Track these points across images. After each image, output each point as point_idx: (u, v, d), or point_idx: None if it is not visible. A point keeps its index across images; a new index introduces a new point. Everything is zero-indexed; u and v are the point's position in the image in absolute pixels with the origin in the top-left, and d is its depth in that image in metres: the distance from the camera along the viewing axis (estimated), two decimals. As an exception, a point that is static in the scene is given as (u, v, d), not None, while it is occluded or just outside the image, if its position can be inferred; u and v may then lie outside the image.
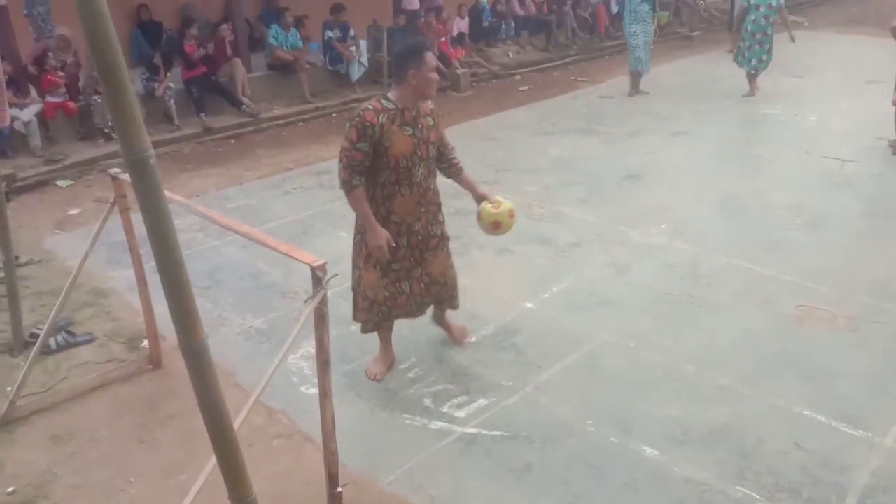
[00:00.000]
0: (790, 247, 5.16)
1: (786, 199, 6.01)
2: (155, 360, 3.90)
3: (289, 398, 3.62)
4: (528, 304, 4.47)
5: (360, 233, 3.49)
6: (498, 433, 3.33)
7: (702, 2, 15.43)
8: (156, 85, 8.23)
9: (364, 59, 10.09)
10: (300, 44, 9.69)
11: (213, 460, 2.11)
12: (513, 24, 12.63)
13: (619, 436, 3.29)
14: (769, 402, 3.50)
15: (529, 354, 3.94)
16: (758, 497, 2.92)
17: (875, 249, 5.10)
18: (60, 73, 7.68)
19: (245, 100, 8.85)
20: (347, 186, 3.36)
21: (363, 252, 3.51)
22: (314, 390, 3.26)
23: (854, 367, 3.76)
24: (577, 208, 5.95)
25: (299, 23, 9.92)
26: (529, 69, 11.83)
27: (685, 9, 15.36)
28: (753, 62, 9.26)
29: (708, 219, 5.68)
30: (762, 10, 8.93)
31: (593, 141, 7.89)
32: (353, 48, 9.93)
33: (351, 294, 3.72)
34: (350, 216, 5.95)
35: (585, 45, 13.12)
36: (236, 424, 2.21)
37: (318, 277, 2.44)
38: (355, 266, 3.60)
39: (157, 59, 8.31)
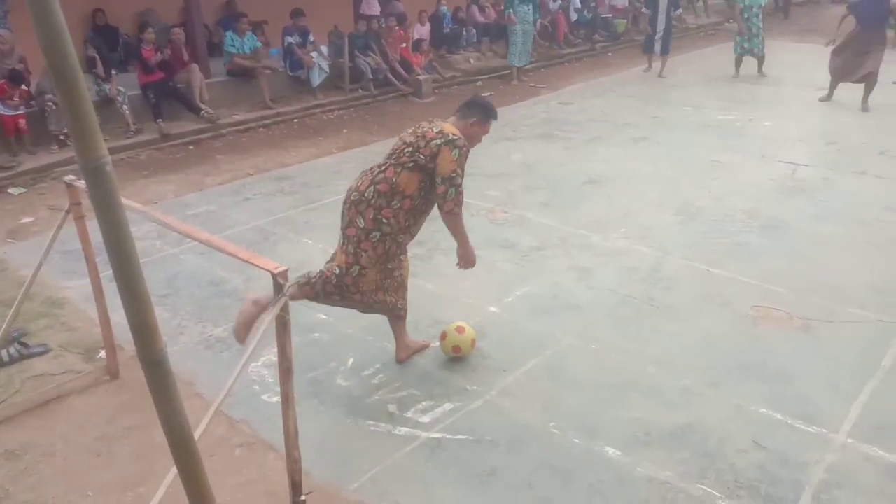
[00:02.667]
0: (747, 250, 5.28)
1: (743, 203, 6.15)
2: (112, 371, 3.81)
3: (251, 407, 3.56)
4: (493, 309, 4.49)
5: (385, 232, 3.50)
6: (463, 437, 3.33)
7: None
8: (107, 88, 8.02)
9: (325, 65, 10.04)
10: (258, 45, 9.59)
11: (173, 472, 2.06)
12: (473, 31, 12.72)
13: (584, 438, 3.32)
14: (729, 402, 3.57)
15: (494, 358, 3.95)
16: (718, 495, 2.98)
17: (826, 252, 5.25)
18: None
19: (204, 106, 8.73)
20: (460, 210, 3.56)
21: (380, 251, 3.53)
22: (276, 398, 3.22)
23: (809, 366, 3.85)
24: (540, 213, 6.00)
25: (258, 28, 9.83)
26: (490, 76, 11.91)
27: (642, 17, 15.64)
28: (756, 51, 11.22)
29: (668, 223, 5.78)
30: (755, 10, 11.04)
31: (555, 146, 7.97)
32: (313, 54, 9.87)
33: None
34: (313, 222, 5.92)
35: (545, 52, 13.26)
36: (196, 435, 2.16)
37: (279, 284, 2.41)
38: (355, 263, 3.53)
39: (92, 51, 8.06)
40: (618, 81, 11.57)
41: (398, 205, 3.48)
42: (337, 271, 3.56)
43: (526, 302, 4.58)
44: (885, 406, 3.52)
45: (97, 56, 8.08)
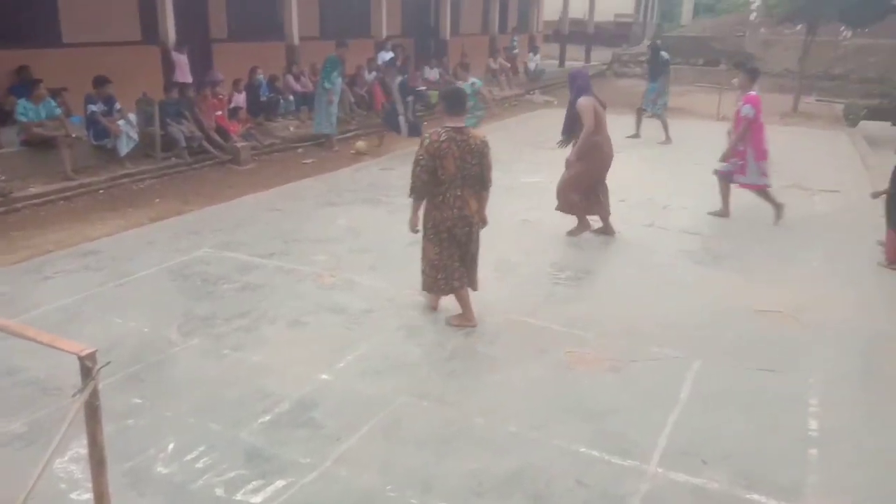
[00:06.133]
0: (557, 299, 5.70)
1: (551, 256, 6.66)
2: None
3: (57, 509, 3.21)
4: (324, 376, 4.43)
5: None
6: (299, 512, 3.22)
7: (468, 81, 16.80)
8: None
9: (133, 133, 9.56)
10: (56, 112, 8.91)
11: None
12: (291, 98, 12.80)
13: (420, 497, 3.34)
14: (554, 443, 3.78)
15: (328, 427, 3.89)
16: (549, 535, 3.12)
17: (628, 296, 5.80)
18: None
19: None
20: None
21: None
22: (87, 495, 2.93)
23: (620, 404, 4.20)
24: (368, 275, 6.07)
25: (57, 95, 9.18)
26: (311, 143, 11.99)
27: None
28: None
29: (486, 278, 6.04)
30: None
31: (379, 210, 8.14)
32: (120, 122, 9.38)
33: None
34: (124, 298, 5.55)
35: (363, 120, 13.63)
36: (-9, 546, 1.92)
37: (87, 368, 2.24)
38: None
39: None
40: (434, 147, 12.11)
41: None
42: None
43: (358, 365, 4.58)
44: (685, 434, 3.91)
45: None
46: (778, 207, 7.88)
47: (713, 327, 5.24)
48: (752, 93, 7.66)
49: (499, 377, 4.46)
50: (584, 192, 7.04)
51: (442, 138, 4.70)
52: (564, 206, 7.13)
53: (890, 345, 5.09)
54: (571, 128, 7.13)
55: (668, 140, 12.69)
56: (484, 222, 5.09)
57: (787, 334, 5.20)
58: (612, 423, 4.00)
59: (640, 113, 13.13)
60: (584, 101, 6.74)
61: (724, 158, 7.84)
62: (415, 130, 11.56)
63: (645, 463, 3.65)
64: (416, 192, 4.84)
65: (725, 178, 7.97)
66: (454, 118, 4.81)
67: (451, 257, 4.98)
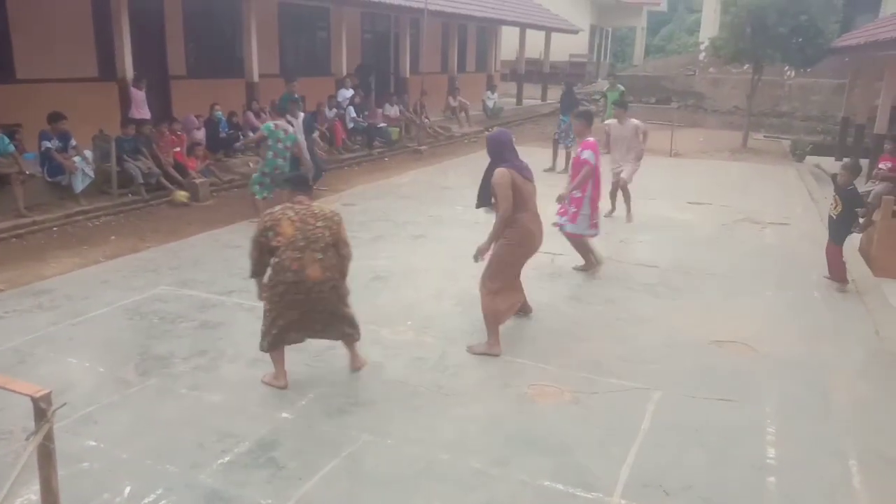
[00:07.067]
0: (517, 332, 5.73)
1: (513, 290, 6.70)
2: None
3: (4, 560, 3.07)
4: (285, 414, 4.37)
5: None
6: (260, 556, 3.15)
7: (427, 119, 17.05)
8: None
9: (89, 170, 9.41)
10: (10, 149, 8.74)
11: None
12: (251, 134, 12.75)
13: (385, 535, 3.30)
14: (517, 478, 3.78)
15: (289, 467, 3.82)
16: (515, 571, 3.10)
17: (588, 329, 5.87)
18: None
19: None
20: None
21: None
22: (38, 544, 2.82)
23: (582, 436, 4.22)
24: (328, 312, 6.01)
25: (11, 132, 9.01)
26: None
27: (413, 126, 16.81)
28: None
29: (449, 313, 6.11)
30: (280, 145, 8.79)
31: (339, 246, 8.11)
32: (76, 158, 9.23)
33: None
34: (78, 338, 5.40)
35: (325, 155, 13.64)
36: None
37: (41, 409, 2.19)
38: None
39: None
40: (395, 184, 12.20)
41: None
42: None
43: (320, 403, 4.52)
44: (647, 465, 3.95)
45: None
46: (590, 265, 7.36)
47: (672, 359, 5.34)
48: (590, 139, 7.10)
49: (462, 412, 4.45)
50: (511, 282, 5.59)
51: (275, 209, 4.66)
52: (487, 307, 5.42)
53: (841, 371, 5.24)
54: (486, 195, 5.68)
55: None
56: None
57: (744, 364, 5.32)
58: (575, 455, 4.01)
59: (555, 144, 13.50)
60: (499, 174, 5.24)
61: (560, 201, 7.22)
62: (317, 172, 10.05)
63: (608, 495, 3.67)
64: (252, 270, 4.71)
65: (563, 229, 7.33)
66: (299, 196, 4.76)
67: (276, 320, 4.63)
